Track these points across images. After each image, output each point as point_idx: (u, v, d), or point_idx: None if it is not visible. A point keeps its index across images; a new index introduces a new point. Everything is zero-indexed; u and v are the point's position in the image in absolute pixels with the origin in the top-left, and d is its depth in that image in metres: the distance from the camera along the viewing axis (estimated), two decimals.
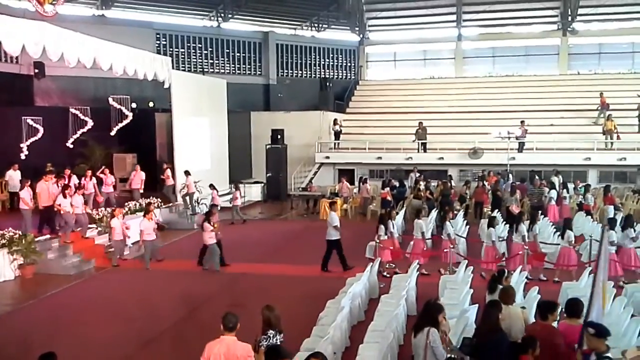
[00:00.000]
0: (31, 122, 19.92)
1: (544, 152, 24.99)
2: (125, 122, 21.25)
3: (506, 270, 8.88)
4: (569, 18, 32.66)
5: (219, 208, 16.03)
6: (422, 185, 20.77)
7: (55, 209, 14.44)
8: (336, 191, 22.84)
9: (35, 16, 14.52)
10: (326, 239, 13.45)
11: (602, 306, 5.92)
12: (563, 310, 6.74)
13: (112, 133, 21.21)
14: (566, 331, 6.30)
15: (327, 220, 13.88)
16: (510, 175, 22.70)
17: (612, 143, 24.60)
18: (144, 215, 14.51)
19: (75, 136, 20.99)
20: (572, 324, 6.39)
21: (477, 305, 8.82)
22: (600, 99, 27.34)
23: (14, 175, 17.67)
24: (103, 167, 19.17)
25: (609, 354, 5.42)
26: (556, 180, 20.82)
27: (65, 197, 14.36)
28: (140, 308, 11.13)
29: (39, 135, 19.96)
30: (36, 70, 22.48)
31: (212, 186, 19.67)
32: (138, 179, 19.07)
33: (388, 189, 21.03)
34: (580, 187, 20.25)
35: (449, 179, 22.16)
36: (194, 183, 20.18)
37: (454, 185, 22.52)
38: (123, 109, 20.99)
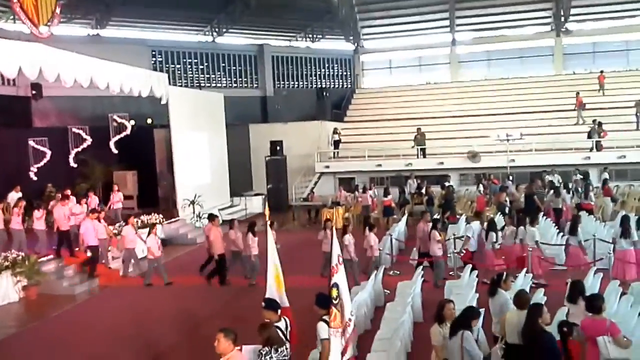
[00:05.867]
0: (32, 144, 20.05)
1: (543, 152, 25.01)
2: (124, 134, 21.35)
3: (505, 273, 8.72)
4: (562, 19, 32.82)
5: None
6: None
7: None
8: (337, 200, 22.85)
9: (30, 38, 14.60)
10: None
11: (277, 286, 7.27)
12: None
13: (112, 144, 21.45)
14: (590, 326, 6.67)
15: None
16: (511, 177, 22.68)
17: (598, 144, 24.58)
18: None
19: (73, 154, 21.17)
20: (595, 318, 6.71)
21: (482, 309, 8.78)
22: (576, 98, 27.56)
23: (15, 197, 17.63)
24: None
25: (278, 324, 6.45)
26: (554, 179, 20.85)
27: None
28: (145, 326, 11.07)
29: (46, 157, 20.28)
30: (33, 92, 22.48)
31: None
32: (118, 198, 19.14)
33: (390, 196, 21.06)
34: (581, 188, 20.16)
35: (446, 187, 22.05)
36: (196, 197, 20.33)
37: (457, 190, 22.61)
38: (124, 121, 21.29)
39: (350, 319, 6.53)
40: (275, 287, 7.21)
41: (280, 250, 13.03)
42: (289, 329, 6.76)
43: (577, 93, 27.88)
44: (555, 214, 17.47)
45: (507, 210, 17.43)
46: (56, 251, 14.71)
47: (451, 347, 6.51)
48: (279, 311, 6.80)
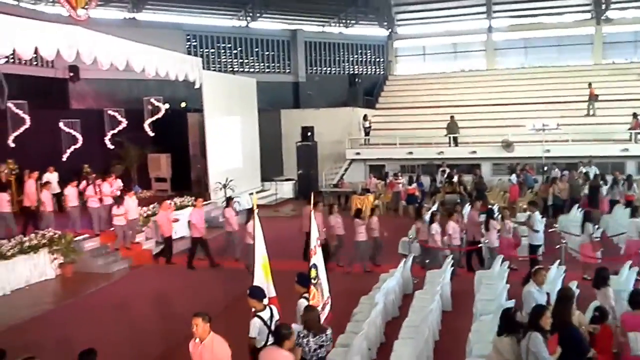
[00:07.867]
0: (63, 126, 20.44)
1: (579, 143, 24.43)
2: (158, 115, 21.57)
3: (537, 266, 8.60)
4: (603, 6, 31.84)
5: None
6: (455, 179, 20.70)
7: None
8: (367, 187, 22.80)
9: (68, 21, 14.82)
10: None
11: (265, 275, 7.14)
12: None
13: (146, 125, 21.58)
14: (629, 320, 6.77)
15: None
16: (546, 167, 22.31)
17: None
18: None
19: (109, 136, 21.58)
20: (636, 314, 6.82)
21: (514, 300, 8.71)
22: (589, 89, 26.97)
23: (51, 178, 18.03)
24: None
25: (260, 314, 6.49)
26: (591, 171, 20.47)
27: None
28: (178, 305, 11.29)
29: (79, 140, 20.61)
30: (71, 74, 22.96)
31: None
32: (116, 186, 17.18)
33: (414, 184, 20.98)
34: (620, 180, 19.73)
35: (478, 176, 21.79)
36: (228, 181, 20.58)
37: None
38: (159, 104, 21.55)
39: (329, 297, 7.13)
40: (263, 276, 7.09)
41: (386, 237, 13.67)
42: (274, 318, 6.61)
43: (590, 84, 27.29)
44: (611, 205, 17.77)
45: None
46: (155, 256, 15.10)
47: (522, 350, 6.08)
48: (265, 300, 6.68)
